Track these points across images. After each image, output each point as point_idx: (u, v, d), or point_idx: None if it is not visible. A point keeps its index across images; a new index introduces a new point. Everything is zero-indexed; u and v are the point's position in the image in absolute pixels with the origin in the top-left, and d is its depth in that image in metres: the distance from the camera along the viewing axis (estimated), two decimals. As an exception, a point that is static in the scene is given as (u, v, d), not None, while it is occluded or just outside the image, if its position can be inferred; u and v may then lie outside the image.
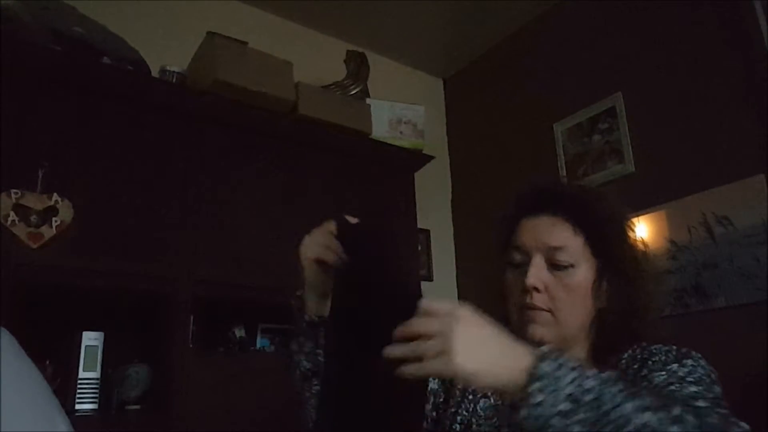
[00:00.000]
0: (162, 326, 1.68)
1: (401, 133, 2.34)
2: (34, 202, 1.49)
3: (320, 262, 0.82)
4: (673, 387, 0.71)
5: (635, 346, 0.83)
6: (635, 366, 0.78)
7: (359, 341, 0.70)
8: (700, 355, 0.78)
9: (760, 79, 1.83)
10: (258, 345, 2.00)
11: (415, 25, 2.71)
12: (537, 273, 0.83)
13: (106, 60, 1.73)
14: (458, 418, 0.88)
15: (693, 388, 0.71)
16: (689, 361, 0.76)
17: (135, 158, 1.70)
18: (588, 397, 0.57)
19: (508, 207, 0.95)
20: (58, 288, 1.54)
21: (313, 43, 2.66)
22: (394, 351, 0.62)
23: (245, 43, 1.93)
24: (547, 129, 2.50)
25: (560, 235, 0.85)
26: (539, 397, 0.57)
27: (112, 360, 1.65)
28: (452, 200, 2.99)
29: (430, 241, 2.77)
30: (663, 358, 0.77)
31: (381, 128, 2.28)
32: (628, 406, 0.57)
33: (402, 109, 2.38)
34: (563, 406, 0.57)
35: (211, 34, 1.90)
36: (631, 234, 0.89)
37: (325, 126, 2.07)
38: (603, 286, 0.86)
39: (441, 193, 2.96)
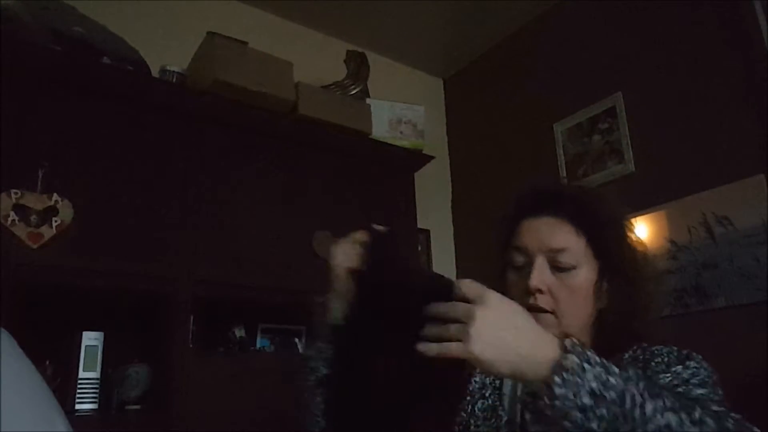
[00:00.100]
0: (162, 326, 1.68)
1: (401, 133, 2.34)
2: (34, 202, 1.49)
3: (352, 271, 0.82)
4: (679, 390, 0.71)
5: (635, 347, 0.83)
6: (638, 366, 0.78)
7: (380, 345, 0.71)
8: (701, 357, 0.78)
9: (760, 79, 1.83)
10: (258, 345, 2.00)
11: (415, 25, 2.71)
12: (540, 275, 0.83)
13: (106, 60, 1.73)
14: (457, 419, 0.88)
15: (700, 391, 0.71)
16: (692, 363, 0.76)
17: (135, 158, 1.70)
18: (610, 394, 0.56)
19: (508, 207, 0.95)
20: (58, 288, 1.54)
21: (313, 43, 2.66)
22: (426, 331, 0.62)
23: (245, 43, 1.93)
24: (547, 129, 2.50)
25: (562, 237, 0.85)
26: (561, 390, 0.57)
27: (112, 360, 1.65)
28: (452, 200, 2.99)
29: (430, 241, 2.77)
30: (666, 359, 0.77)
31: (381, 128, 2.28)
32: (650, 406, 0.56)
33: (402, 109, 2.38)
34: (585, 401, 0.56)
35: (211, 34, 1.90)
36: (631, 234, 0.90)
37: (325, 126, 2.07)
38: (603, 286, 0.86)
39: (441, 193, 2.96)
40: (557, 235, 0.85)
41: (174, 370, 1.61)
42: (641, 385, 0.58)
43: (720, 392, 0.73)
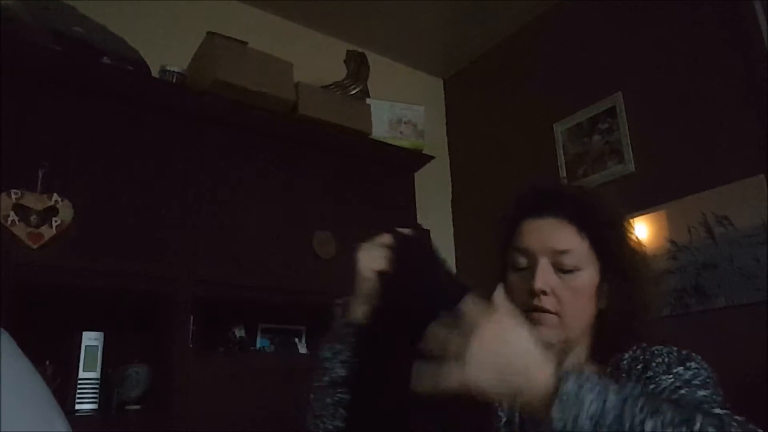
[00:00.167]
0: (162, 326, 1.68)
1: (401, 133, 2.34)
2: (34, 202, 1.49)
3: (380, 273, 0.81)
4: (683, 391, 0.71)
5: (635, 347, 0.83)
6: (638, 367, 0.78)
7: (403, 349, 0.72)
8: (700, 357, 0.78)
9: (760, 79, 1.83)
10: (258, 345, 2.01)
11: (415, 25, 2.71)
12: (544, 277, 0.83)
13: (106, 60, 1.73)
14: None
15: (702, 392, 0.71)
16: (693, 364, 0.76)
17: (135, 158, 1.70)
18: (610, 417, 0.56)
19: (508, 207, 0.94)
20: (58, 288, 1.54)
21: (313, 43, 2.66)
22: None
23: (245, 43, 1.93)
24: (547, 129, 2.50)
25: (566, 239, 0.85)
26: (560, 416, 0.57)
27: (112, 360, 1.66)
28: (452, 200, 2.99)
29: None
30: (666, 359, 0.77)
31: (381, 128, 2.28)
32: (649, 424, 0.56)
33: (402, 109, 2.38)
34: (585, 426, 0.56)
35: (211, 34, 1.90)
36: (631, 235, 0.90)
37: (325, 126, 2.07)
38: (604, 287, 0.86)
39: (441, 193, 2.96)
40: (561, 236, 0.85)
41: (174, 370, 1.61)
42: (640, 402, 0.58)
43: (720, 392, 0.73)
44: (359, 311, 0.81)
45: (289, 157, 2.01)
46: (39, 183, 1.51)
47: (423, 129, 2.39)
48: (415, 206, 2.30)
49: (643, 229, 2.02)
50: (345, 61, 2.32)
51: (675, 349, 0.80)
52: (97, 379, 1.60)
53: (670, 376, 0.74)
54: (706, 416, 0.58)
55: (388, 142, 2.28)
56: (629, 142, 2.18)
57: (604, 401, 0.57)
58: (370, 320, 0.81)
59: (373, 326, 0.80)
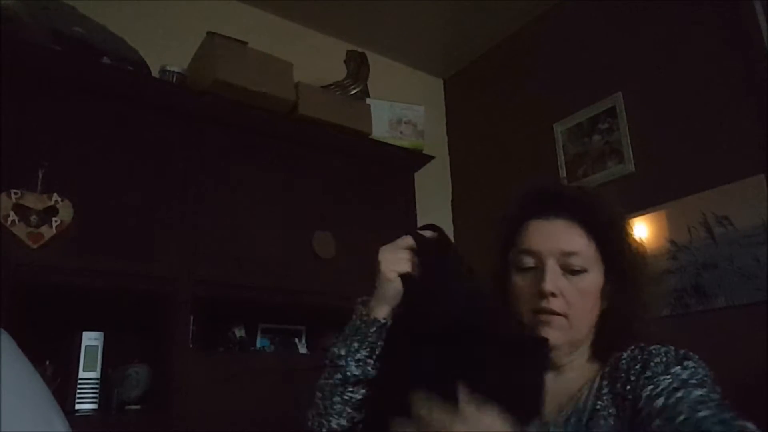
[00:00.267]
0: (162, 326, 1.68)
1: (401, 133, 2.34)
2: (34, 202, 1.49)
3: (403, 276, 0.81)
4: (680, 394, 0.71)
5: (633, 347, 0.83)
6: (637, 367, 0.78)
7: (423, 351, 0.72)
8: (697, 356, 0.78)
9: (760, 79, 1.83)
10: (258, 345, 2.01)
11: (415, 25, 2.71)
12: (554, 279, 0.83)
13: (106, 60, 1.73)
14: None
15: (699, 392, 0.71)
16: (690, 363, 0.76)
17: (135, 158, 1.70)
18: None
19: (510, 207, 0.94)
20: (58, 288, 1.54)
21: (313, 43, 2.66)
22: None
23: (245, 43, 1.93)
24: (547, 129, 2.50)
25: (574, 240, 0.85)
26: None
27: (112, 360, 1.66)
28: (452, 200, 2.99)
29: (430, 241, 2.76)
30: (664, 359, 0.78)
31: (381, 128, 2.28)
32: None
33: (402, 109, 2.38)
34: None
35: (211, 34, 1.90)
36: (632, 235, 0.90)
37: (325, 126, 2.07)
38: (607, 287, 0.87)
39: (441, 193, 2.96)
40: (570, 238, 0.85)
41: (174, 370, 1.61)
42: None
43: (718, 390, 0.73)
44: (381, 312, 0.81)
45: (289, 157, 2.00)
46: (39, 183, 1.51)
47: (423, 129, 2.39)
48: (415, 206, 2.30)
49: (643, 229, 2.02)
50: (345, 61, 2.32)
51: (672, 348, 0.80)
52: (97, 379, 1.60)
53: (668, 376, 0.74)
54: None
55: (388, 142, 2.28)
56: (629, 142, 2.18)
57: None
58: (394, 321, 0.81)
59: (397, 328, 0.80)
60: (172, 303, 1.66)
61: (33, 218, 1.47)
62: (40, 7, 1.64)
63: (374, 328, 0.81)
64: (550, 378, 0.69)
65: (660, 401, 0.71)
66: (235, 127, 1.91)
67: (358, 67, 2.30)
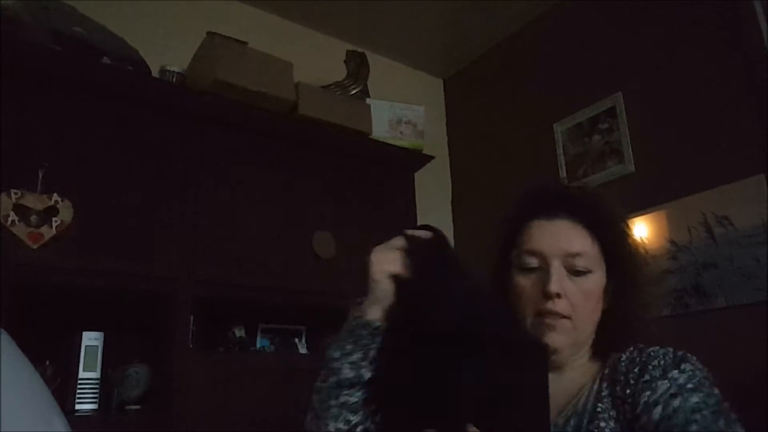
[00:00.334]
0: (162, 326, 1.68)
1: (401, 133, 2.34)
2: (34, 202, 1.49)
3: (395, 277, 0.80)
4: (677, 402, 0.71)
5: (632, 348, 0.83)
6: (635, 370, 0.78)
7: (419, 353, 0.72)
8: (695, 358, 0.78)
9: (760, 79, 1.83)
10: (258, 345, 2.01)
11: (415, 25, 2.71)
12: (559, 280, 0.83)
13: (106, 60, 1.73)
14: None
15: (695, 399, 0.71)
16: (687, 365, 0.76)
17: (135, 158, 1.70)
18: None
19: (511, 207, 0.94)
20: (58, 288, 1.54)
21: (313, 43, 2.66)
22: None
23: (245, 43, 1.93)
24: (547, 129, 2.50)
25: (578, 241, 0.85)
26: None
27: (112, 360, 1.66)
28: (452, 200, 2.99)
29: (430, 241, 2.76)
30: (662, 362, 0.77)
31: (381, 128, 2.28)
32: None
33: (402, 109, 2.38)
34: None
35: (211, 34, 1.90)
36: (633, 236, 0.90)
37: (325, 126, 2.07)
38: (609, 288, 0.87)
39: (441, 193, 2.96)
40: (574, 239, 0.85)
41: (174, 370, 1.61)
42: None
43: (716, 392, 0.73)
44: (373, 313, 0.80)
45: (289, 157, 2.01)
46: (39, 183, 1.51)
47: (423, 129, 2.39)
48: (415, 206, 2.30)
49: (643, 229, 2.02)
50: (345, 61, 2.32)
51: (671, 350, 0.80)
52: (97, 379, 1.60)
53: (666, 381, 0.74)
54: None
55: (388, 142, 2.28)
56: (629, 142, 2.18)
57: None
58: (389, 323, 0.80)
59: (392, 330, 0.79)
60: (172, 303, 1.66)
61: (33, 218, 1.47)
62: (40, 7, 1.64)
63: (367, 331, 0.80)
64: (550, 379, 0.69)
65: (658, 410, 0.71)
66: (235, 127, 1.91)
67: (358, 67, 2.30)
